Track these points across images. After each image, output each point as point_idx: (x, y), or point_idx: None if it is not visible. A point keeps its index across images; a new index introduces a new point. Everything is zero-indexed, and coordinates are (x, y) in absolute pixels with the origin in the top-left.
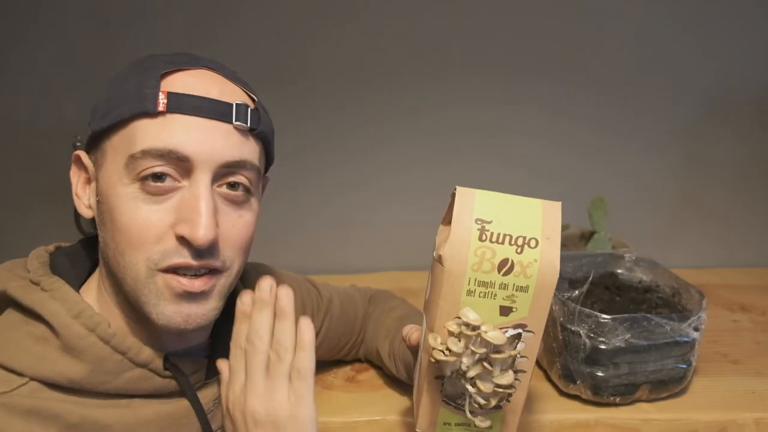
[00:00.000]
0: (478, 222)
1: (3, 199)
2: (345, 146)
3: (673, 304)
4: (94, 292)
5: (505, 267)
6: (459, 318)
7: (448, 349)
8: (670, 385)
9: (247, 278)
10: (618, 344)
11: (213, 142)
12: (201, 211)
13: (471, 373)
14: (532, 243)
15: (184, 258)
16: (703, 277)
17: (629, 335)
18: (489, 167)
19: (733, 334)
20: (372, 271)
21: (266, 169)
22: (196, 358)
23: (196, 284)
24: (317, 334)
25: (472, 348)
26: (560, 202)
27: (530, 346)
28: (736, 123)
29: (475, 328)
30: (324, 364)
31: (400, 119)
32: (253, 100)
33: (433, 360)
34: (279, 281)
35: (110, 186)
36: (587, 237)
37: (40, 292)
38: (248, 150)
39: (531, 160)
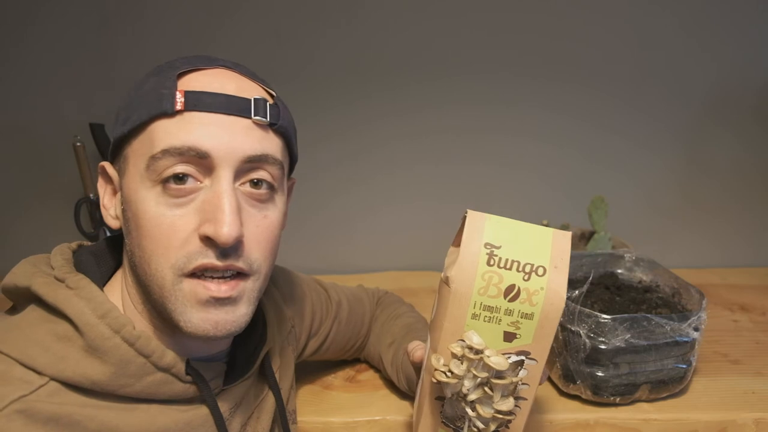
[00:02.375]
0: (488, 246)
1: (3, 199)
2: (345, 146)
3: (673, 304)
4: (117, 295)
5: (511, 293)
6: (463, 341)
7: (450, 370)
8: (670, 385)
9: None
10: (618, 344)
11: (233, 137)
12: (224, 208)
13: (471, 397)
14: (540, 271)
15: (209, 259)
16: (703, 277)
17: (629, 335)
18: (489, 167)
19: (733, 334)
20: (372, 271)
21: (291, 169)
22: (216, 362)
23: (223, 288)
24: (325, 339)
25: (474, 372)
26: (570, 233)
27: (532, 374)
28: (736, 123)
29: (478, 351)
30: (324, 364)
31: (399, 119)
32: (271, 95)
33: (434, 381)
34: (290, 283)
35: (133, 191)
36: (587, 237)
37: (65, 289)
38: (270, 145)
39: (531, 160)
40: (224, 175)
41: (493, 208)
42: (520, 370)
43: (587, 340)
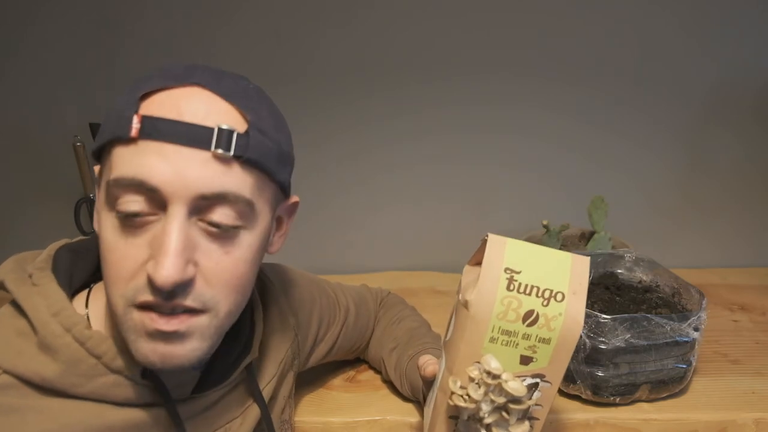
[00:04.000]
0: (508, 271)
1: (3, 199)
2: (345, 146)
3: (673, 304)
4: (101, 303)
5: (529, 318)
6: (480, 364)
7: (467, 394)
8: (670, 385)
9: (265, 281)
10: (618, 344)
11: (187, 171)
12: (168, 249)
13: (488, 420)
14: (559, 297)
15: (153, 296)
16: (703, 277)
17: (629, 335)
18: (489, 167)
19: (733, 334)
20: (372, 271)
21: (285, 193)
22: (186, 371)
23: (171, 323)
24: (333, 345)
25: (492, 396)
26: (589, 258)
27: (546, 396)
28: (736, 123)
29: (496, 376)
30: (324, 364)
31: (400, 119)
32: (247, 120)
33: (451, 403)
34: (298, 288)
35: (98, 212)
36: (587, 237)
37: (29, 286)
38: (231, 180)
39: (531, 160)
40: (175, 212)
41: (493, 208)
42: (534, 392)
43: (587, 340)
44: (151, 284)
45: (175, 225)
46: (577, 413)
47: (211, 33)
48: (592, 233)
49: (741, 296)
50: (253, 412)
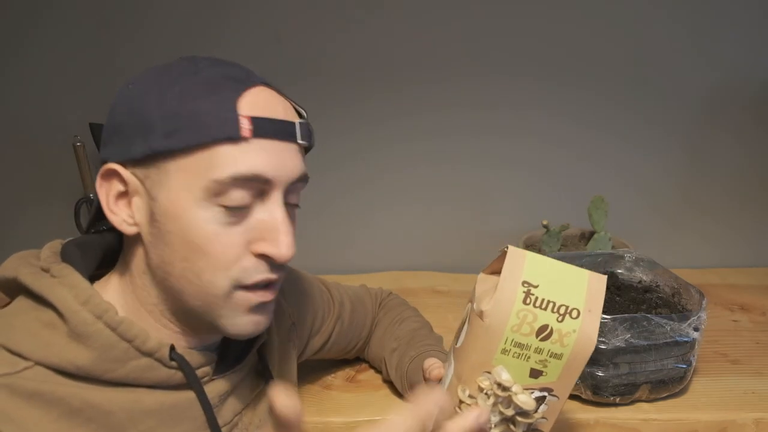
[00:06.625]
0: (525, 285)
1: (3, 199)
2: (346, 147)
3: (673, 304)
4: (114, 294)
5: (543, 333)
6: (491, 375)
7: (476, 404)
8: (670, 385)
9: None
10: (618, 344)
11: (286, 162)
12: (284, 229)
13: (494, 431)
14: (574, 313)
15: (265, 274)
16: (703, 277)
17: (629, 335)
18: (490, 167)
19: (733, 334)
20: (372, 271)
21: None
22: (205, 351)
23: (268, 294)
24: (328, 339)
25: (501, 408)
26: (605, 276)
27: (552, 409)
28: (735, 123)
29: (506, 388)
30: (324, 364)
31: (400, 120)
32: (300, 114)
33: (458, 411)
34: (292, 280)
35: (181, 208)
36: (587, 237)
37: (49, 278)
38: (304, 165)
39: (531, 160)
40: (277, 197)
41: (493, 208)
42: (541, 405)
43: None
44: (265, 261)
45: (280, 208)
46: (577, 413)
47: (212, 34)
48: (592, 233)
49: (741, 296)
50: (264, 397)
